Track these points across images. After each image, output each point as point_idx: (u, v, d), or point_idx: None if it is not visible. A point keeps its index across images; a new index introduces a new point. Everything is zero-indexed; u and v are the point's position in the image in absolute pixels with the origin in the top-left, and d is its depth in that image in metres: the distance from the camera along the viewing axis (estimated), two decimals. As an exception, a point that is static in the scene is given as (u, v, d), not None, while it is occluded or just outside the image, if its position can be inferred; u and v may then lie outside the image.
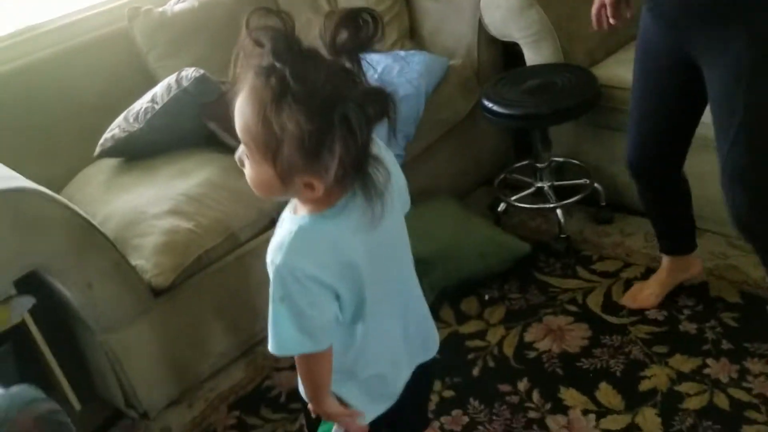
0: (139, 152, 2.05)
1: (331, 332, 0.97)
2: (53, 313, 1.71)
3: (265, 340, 1.92)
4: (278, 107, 0.81)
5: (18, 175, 1.51)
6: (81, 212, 1.52)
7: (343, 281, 0.95)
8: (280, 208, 1.96)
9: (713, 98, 1.36)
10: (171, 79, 2.01)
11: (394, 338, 1.09)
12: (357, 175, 0.87)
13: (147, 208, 1.80)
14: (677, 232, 1.73)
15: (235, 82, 0.90)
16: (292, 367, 1.80)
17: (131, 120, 2.01)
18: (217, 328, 1.85)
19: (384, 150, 0.96)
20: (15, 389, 0.96)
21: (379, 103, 0.85)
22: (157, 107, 1.98)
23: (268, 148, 0.84)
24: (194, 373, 1.83)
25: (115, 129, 2.03)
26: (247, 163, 0.92)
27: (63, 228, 1.46)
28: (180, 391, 1.80)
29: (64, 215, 1.47)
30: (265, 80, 0.82)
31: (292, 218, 0.96)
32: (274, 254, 0.94)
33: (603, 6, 1.54)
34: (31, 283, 1.61)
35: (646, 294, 1.79)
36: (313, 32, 0.91)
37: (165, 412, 1.77)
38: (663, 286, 1.78)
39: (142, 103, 2.03)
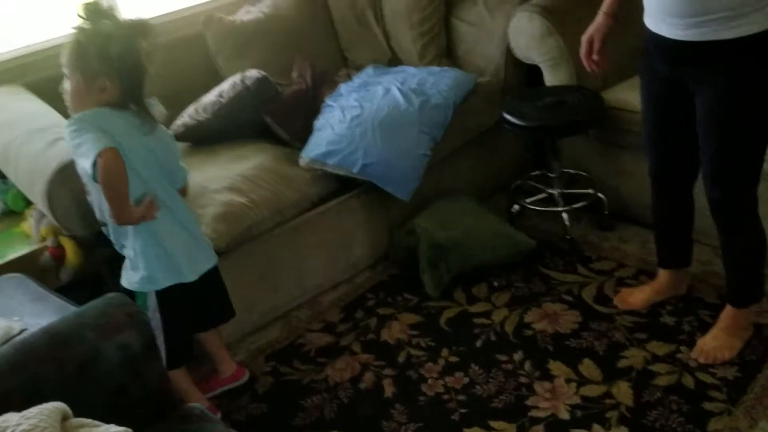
0: (204, 138, 2.39)
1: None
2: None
3: (301, 306, 2.24)
4: (87, 37, 1.48)
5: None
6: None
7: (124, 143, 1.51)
8: (320, 192, 2.28)
9: (701, 117, 1.64)
10: (236, 78, 2.35)
11: (180, 228, 1.66)
12: (133, 98, 1.54)
13: (209, 184, 2.12)
14: (680, 245, 1.95)
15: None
16: (322, 330, 2.11)
17: (200, 111, 2.35)
18: (261, 290, 2.16)
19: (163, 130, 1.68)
20: (111, 295, 1.27)
21: (140, 30, 1.52)
22: (223, 101, 2.32)
23: (78, 61, 1.48)
24: (239, 327, 2.13)
25: (185, 117, 2.37)
26: (66, 85, 1.52)
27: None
28: (226, 342, 2.10)
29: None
30: (80, 30, 1.50)
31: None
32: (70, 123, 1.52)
33: (589, 49, 1.82)
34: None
35: (638, 297, 2.01)
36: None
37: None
38: (656, 295, 2.00)
39: (210, 97, 2.37)
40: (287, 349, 2.09)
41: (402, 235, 2.35)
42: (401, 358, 1.97)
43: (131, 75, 1.52)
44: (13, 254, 1.87)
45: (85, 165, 1.46)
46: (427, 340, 2.03)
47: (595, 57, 1.83)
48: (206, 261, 1.74)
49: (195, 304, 1.73)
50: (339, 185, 2.30)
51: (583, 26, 2.37)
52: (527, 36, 2.37)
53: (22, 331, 1.47)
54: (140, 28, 1.54)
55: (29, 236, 1.96)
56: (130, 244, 1.62)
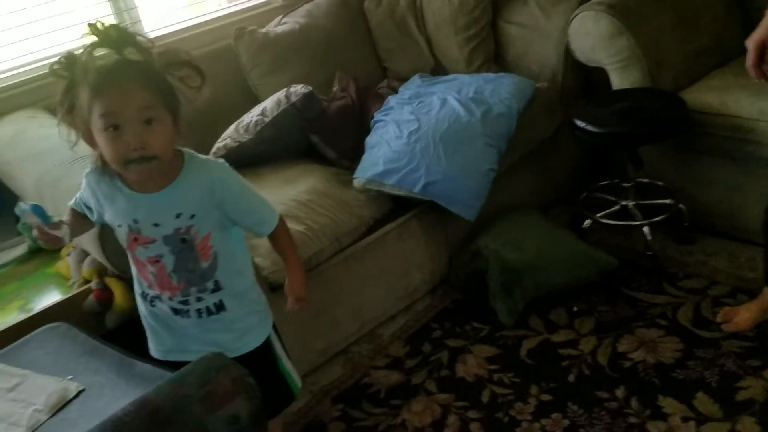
0: (247, 161, 2.17)
1: None
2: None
3: (360, 340, 2.05)
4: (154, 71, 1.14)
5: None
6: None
7: None
8: (375, 214, 2.08)
9: None
10: (280, 94, 2.16)
11: None
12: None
13: (261, 211, 1.92)
14: None
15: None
16: (388, 366, 1.92)
17: (242, 131, 2.16)
18: (320, 325, 1.96)
19: None
20: (208, 355, 1.07)
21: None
22: (266, 120, 2.13)
23: (170, 102, 1.15)
24: (298, 366, 1.92)
25: (226, 139, 2.18)
26: (156, 130, 1.13)
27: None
28: (286, 384, 1.90)
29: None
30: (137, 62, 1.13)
31: (205, 157, 1.31)
32: (214, 169, 1.28)
33: (758, 55, 1.55)
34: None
35: (743, 317, 1.82)
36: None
37: (272, 402, 1.87)
38: (762, 314, 1.81)
39: (252, 115, 2.18)
40: (354, 390, 1.89)
41: (466, 257, 2.15)
42: (485, 398, 1.77)
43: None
44: (51, 299, 1.66)
45: (270, 221, 1.35)
46: (510, 375, 1.83)
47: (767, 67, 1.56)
48: None
49: None
50: (393, 205, 2.11)
51: (652, 24, 2.22)
52: (594, 37, 2.19)
53: (80, 392, 1.27)
54: None
55: (67, 278, 1.75)
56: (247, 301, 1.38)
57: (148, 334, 1.40)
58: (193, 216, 1.23)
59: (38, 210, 1.24)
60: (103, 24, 1.11)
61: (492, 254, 2.05)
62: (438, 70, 2.64)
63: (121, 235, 1.27)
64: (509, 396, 1.76)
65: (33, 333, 1.49)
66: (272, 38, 2.50)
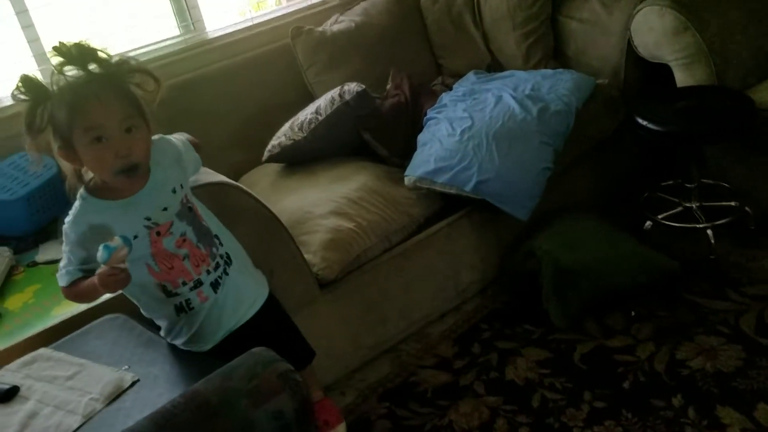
0: (301, 158, 2.22)
1: None
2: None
3: (408, 338, 2.04)
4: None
5: (216, 173, 1.68)
6: (267, 206, 1.68)
7: None
8: (426, 213, 2.07)
9: None
10: (334, 92, 2.17)
11: None
12: None
13: (312, 208, 1.95)
14: None
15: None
16: (436, 366, 1.91)
17: (296, 129, 2.18)
18: (368, 322, 1.97)
19: None
20: (257, 350, 1.09)
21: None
22: (320, 118, 2.15)
23: (140, 108, 1.21)
24: (346, 363, 1.95)
25: (281, 137, 2.21)
26: (137, 137, 1.20)
27: (254, 218, 1.62)
28: (334, 379, 1.92)
29: (255, 206, 1.63)
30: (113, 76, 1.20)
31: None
32: (168, 142, 1.38)
33: None
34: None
35: None
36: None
37: (320, 397, 1.89)
38: None
39: (306, 114, 2.20)
40: (401, 389, 1.88)
41: (518, 258, 2.12)
42: (535, 402, 1.74)
43: None
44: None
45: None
46: (562, 380, 1.79)
47: None
48: None
49: None
50: (444, 204, 2.10)
51: (718, 20, 2.12)
52: (658, 32, 2.11)
53: (134, 382, 1.31)
54: None
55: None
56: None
57: (193, 341, 1.41)
58: (182, 186, 1.34)
59: (128, 241, 1.18)
60: (65, 44, 1.15)
61: (546, 255, 2.01)
62: (494, 66, 2.60)
63: (142, 245, 1.26)
64: (561, 401, 1.72)
65: (93, 323, 1.55)
66: (328, 37, 2.52)
